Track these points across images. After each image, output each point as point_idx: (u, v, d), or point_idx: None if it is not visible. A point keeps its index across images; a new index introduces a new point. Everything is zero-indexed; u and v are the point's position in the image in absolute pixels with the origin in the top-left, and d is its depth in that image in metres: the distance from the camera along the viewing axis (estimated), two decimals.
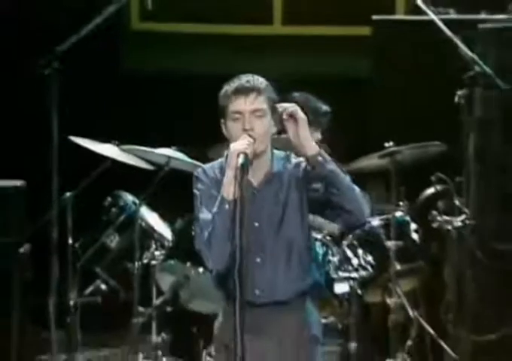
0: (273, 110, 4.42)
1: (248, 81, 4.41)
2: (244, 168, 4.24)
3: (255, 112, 4.35)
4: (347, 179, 4.44)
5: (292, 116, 4.40)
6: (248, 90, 4.40)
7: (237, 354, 4.16)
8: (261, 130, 4.34)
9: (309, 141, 4.40)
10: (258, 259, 4.34)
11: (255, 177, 4.40)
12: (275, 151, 4.48)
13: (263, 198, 4.42)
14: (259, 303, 4.31)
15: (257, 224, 4.38)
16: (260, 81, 4.41)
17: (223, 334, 4.46)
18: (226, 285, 4.33)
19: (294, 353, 4.45)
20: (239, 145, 4.28)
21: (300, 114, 4.40)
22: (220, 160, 4.47)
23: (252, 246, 4.35)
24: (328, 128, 6.13)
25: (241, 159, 4.20)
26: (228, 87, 4.41)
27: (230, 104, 4.39)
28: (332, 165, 4.38)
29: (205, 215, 4.39)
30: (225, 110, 4.37)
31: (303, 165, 4.47)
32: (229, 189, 4.27)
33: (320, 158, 4.32)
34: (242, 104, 4.38)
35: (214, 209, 4.32)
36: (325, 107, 6.02)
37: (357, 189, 4.51)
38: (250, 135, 4.28)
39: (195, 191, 4.52)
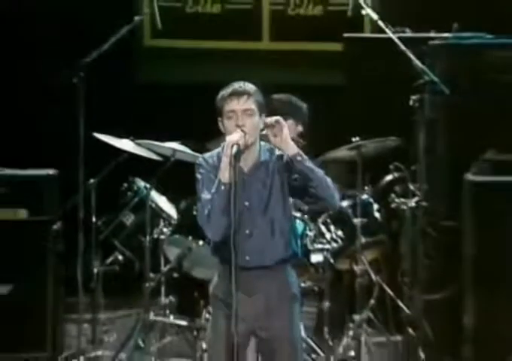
0: (261, 110, 4.71)
1: (240, 86, 4.72)
2: (237, 157, 4.51)
3: (246, 111, 4.64)
4: (320, 172, 4.75)
5: (278, 122, 4.71)
6: (240, 94, 4.69)
7: (233, 306, 4.45)
8: (251, 126, 4.61)
9: (290, 143, 4.71)
10: (248, 232, 4.62)
11: (246, 165, 4.67)
12: (263, 143, 4.77)
13: (252, 182, 4.67)
14: (248, 267, 4.59)
15: (247, 203, 4.63)
16: (250, 87, 4.72)
17: (217, 291, 4.79)
18: (222, 252, 4.64)
19: (278, 307, 4.73)
20: (233, 137, 4.55)
21: (283, 122, 4.70)
22: (217, 150, 4.73)
23: (243, 221, 4.60)
24: (308, 122, 6.38)
25: (234, 149, 4.48)
26: (224, 91, 4.69)
27: (225, 105, 4.67)
28: (308, 163, 4.70)
29: (205, 195, 4.63)
30: (222, 110, 4.68)
31: (285, 157, 4.74)
32: (225, 174, 4.52)
33: (299, 157, 4.64)
34: (235, 104, 4.68)
35: (213, 190, 4.56)
36: (304, 105, 6.32)
37: (329, 180, 4.82)
38: (242, 130, 4.59)
39: (197, 175, 4.76)
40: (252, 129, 4.62)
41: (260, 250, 4.71)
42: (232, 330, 4.54)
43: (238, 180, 4.59)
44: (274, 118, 4.69)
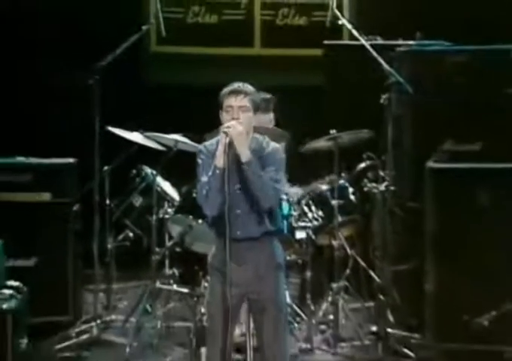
0: (255, 108, 4.93)
1: (239, 86, 4.91)
2: (231, 144, 4.72)
3: (241, 107, 4.84)
4: (264, 177, 4.90)
5: (225, 133, 4.80)
6: (238, 92, 4.88)
7: (227, 273, 4.64)
8: (244, 120, 4.81)
9: (243, 151, 4.82)
10: (238, 211, 4.82)
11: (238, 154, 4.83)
12: (255, 135, 4.97)
13: (243, 167, 4.83)
14: (239, 239, 4.81)
15: (237, 186, 4.82)
16: (248, 87, 4.93)
17: (214, 260, 4.98)
18: (217, 227, 4.86)
19: (266, 274, 4.90)
20: (228, 128, 4.75)
21: (233, 132, 4.80)
22: (216, 138, 4.91)
23: (235, 201, 4.81)
24: (277, 109, 6.47)
25: (228, 138, 4.71)
26: (226, 89, 4.88)
27: (225, 101, 4.87)
28: (252, 170, 4.85)
29: (204, 178, 4.80)
30: (222, 105, 4.88)
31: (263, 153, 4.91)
32: (220, 160, 4.73)
33: (246, 166, 4.82)
34: (232, 101, 4.87)
35: (210, 173, 4.75)
36: (268, 96, 6.42)
37: (269, 185, 4.95)
38: (239, 123, 4.79)
39: (198, 160, 4.94)
40: (245, 123, 4.81)
41: (247, 225, 4.89)
42: (226, 294, 4.72)
43: (231, 166, 4.74)
44: (225, 127, 4.83)
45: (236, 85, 4.96)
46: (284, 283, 5.12)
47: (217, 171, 4.74)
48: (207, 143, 5.03)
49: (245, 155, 4.83)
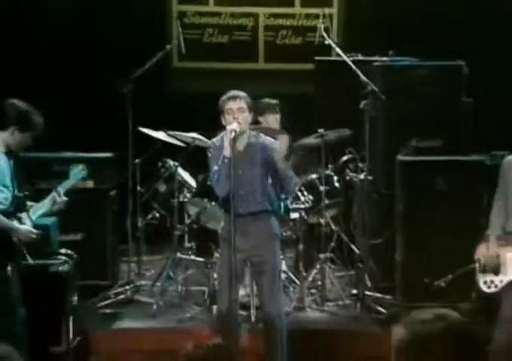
0: (249, 108, 5.19)
1: (234, 93, 5.21)
2: (234, 139, 5.04)
3: (240, 109, 5.14)
4: (290, 173, 5.37)
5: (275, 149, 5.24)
6: (235, 97, 5.18)
7: (232, 241, 4.98)
8: (243, 119, 5.13)
9: (280, 161, 5.25)
10: (242, 192, 5.15)
11: (240, 146, 5.20)
12: (252, 132, 5.28)
13: (244, 158, 5.19)
14: (242, 214, 5.14)
15: (240, 172, 5.12)
16: (241, 93, 5.22)
17: (223, 232, 5.32)
18: (225, 205, 5.19)
19: (264, 242, 5.27)
20: (232, 126, 5.08)
21: (277, 148, 5.32)
22: (220, 135, 5.25)
23: (239, 184, 5.10)
24: (282, 112, 6.60)
25: (232, 134, 5.03)
26: (224, 96, 5.20)
27: (225, 105, 5.16)
28: (284, 169, 5.30)
29: (214, 167, 5.14)
30: (223, 109, 5.17)
31: (270, 148, 5.24)
32: (226, 151, 5.03)
33: (280, 167, 5.23)
34: (232, 104, 5.16)
35: (219, 163, 5.08)
36: (274, 101, 6.61)
37: (294, 178, 5.45)
38: (237, 122, 5.09)
39: (209, 154, 5.30)
40: (243, 122, 5.12)
41: (249, 203, 5.21)
42: (232, 259, 5.00)
43: (235, 156, 5.04)
44: (275, 147, 5.29)
45: (232, 92, 5.21)
46: (279, 250, 5.42)
47: (226, 160, 5.01)
48: (214, 139, 5.33)
49: (280, 163, 5.23)
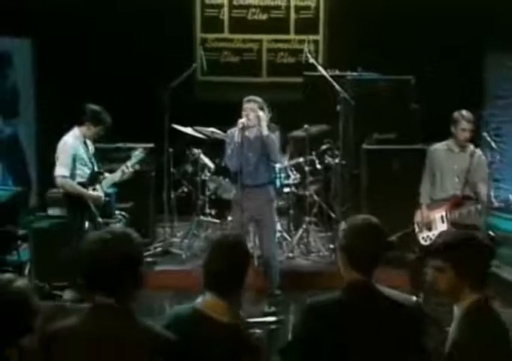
0: (261, 109, 5.60)
1: (251, 98, 5.67)
2: (243, 129, 5.56)
3: (251, 109, 5.61)
4: (273, 143, 5.54)
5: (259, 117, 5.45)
6: (250, 100, 5.67)
7: (241, 204, 5.56)
8: (253, 117, 5.63)
9: (264, 127, 5.42)
10: (250, 168, 5.65)
11: (250, 136, 5.67)
12: (259, 127, 5.63)
13: (253, 144, 5.66)
14: (249, 185, 5.64)
15: (250, 154, 5.65)
16: (256, 98, 5.66)
17: (235, 198, 5.80)
18: (236, 178, 5.69)
19: (264, 204, 5.75)
20: (241, 120, 5.57)
21: (259, 117, 5.42)
22: (235, 128, 5.66)
23: (247, 162, 5.61)
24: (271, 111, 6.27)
25: (241, 125, 5.58)
26: (245, 99, 5.66)
27: (243, 105, 5.64)
28: (269, 138, 5.50)
29: (228, 150, 5.69)
30: (242, 107, 5.63)
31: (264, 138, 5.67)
32: (238, 138, 5.58)
33: (265, 136, 5.50)
34: (246, 105, 5.64)
35: (231, 146, 5.64)
36: (265, 104, 6.19)
37: (276, 148, 5.52)
38: (248, 118, 5.60)
39: (226, 139, 5.77)
40: (253, 118, 5.65)
41: (254, 177, 5.70)
42: (242, 216, 5.53)
43: (246, 142, 5.59)
44: (257, 115, 5.58)
45: (250, 97, 5.75)
46: (275, 210, 5.92)
47: (236, 144, 5.61)
48: (230, 130, 5.83)
49: (264, 130, 5.50)
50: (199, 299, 2.90)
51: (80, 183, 5.60)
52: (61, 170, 5.50)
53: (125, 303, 2.69)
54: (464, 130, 5.59)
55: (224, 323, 2.79)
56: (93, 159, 5.75)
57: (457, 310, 2.88)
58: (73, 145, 5.57)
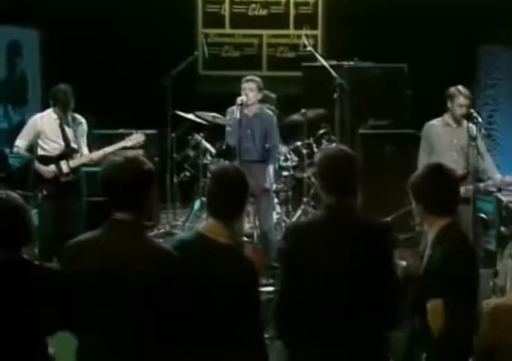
0: (259, 89, 5.86)
1: (249, 77, 5.92)
2: (242, 106, 5.83)
3: (250, 88, 5.88)
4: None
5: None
6: (248, 80, 5.93)
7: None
8: (252, 95, 5.89)
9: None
10: (248, 145, 5.95)
11: (249, 113, 5.97)
12: (259, 105, 5.99)
13: (252, 122, 5.96)
14: (247, 160, 5.85)
15: (249, 131, 5.95)
16: (254, 77, 5.89)
17: None
18: (235, 153, 5.86)
19: (263, 178, 5.92)
20: (240, 97, 5.87)
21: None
22: (235, 106, 5.93)
23: (247, 139, 5.88)
24: (276, 102, 6.99)
25: (239, 102, 5.86)
26: (244, 79, 5.90)
27: (242, 84, 5.87)
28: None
29: (228, 127, 6.04)
30: (241, 86, 5.87)
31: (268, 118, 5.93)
32: (237, 115, 5.83)
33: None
34: (245, 84, 5.89)
35: (231, 123, 5.95)
36: (272, 94, 7.10)
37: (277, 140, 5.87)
38: (247, 97, 5.83)
39: (227, 117, 6.06)
40: (252, 97, 5.91)
41: (252, 152, 6.00)
42: None
43: (245, 119, 5.85)
44: (239, 99, 5.62)
45: (249, 77, 5.99)
46: (273, 186, 6.16)
47: (235, 121, 5.86)
48: (230, 108, 6.13)
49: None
50: (203, 224, 3.19)
51: (41, 156, 5.85)
52: (16, 141, 5.94)
53: (138, 219, 2.92)
54: (461, 106, 5.63)
55: (219, 243, 3.02)
56: (76, 137, 5.79)
57: (430, 236, 3.16)
58: (35, 120, 5.90)
